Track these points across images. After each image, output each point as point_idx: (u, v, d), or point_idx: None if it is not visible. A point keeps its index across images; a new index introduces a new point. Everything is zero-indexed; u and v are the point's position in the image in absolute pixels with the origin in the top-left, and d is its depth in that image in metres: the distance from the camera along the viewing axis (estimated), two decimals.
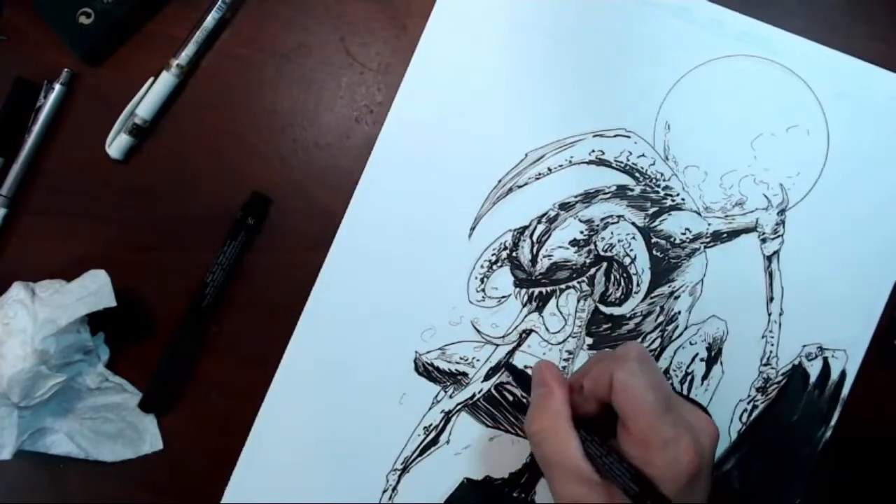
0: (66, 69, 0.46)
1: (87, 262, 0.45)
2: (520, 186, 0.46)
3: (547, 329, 0.46)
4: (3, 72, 0.46)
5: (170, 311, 0.46)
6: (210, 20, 0.46)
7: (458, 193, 0.46)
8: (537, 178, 0.46)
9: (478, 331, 0.46)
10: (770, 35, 0.46)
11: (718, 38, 0.46)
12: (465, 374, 0.46)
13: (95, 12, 0.46)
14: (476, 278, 0.46)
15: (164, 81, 0.46)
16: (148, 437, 0.46)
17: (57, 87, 0.46)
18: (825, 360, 0.46)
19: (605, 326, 0.46)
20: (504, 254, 0.46)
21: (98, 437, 0.45)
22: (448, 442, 0.46)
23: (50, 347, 0.42)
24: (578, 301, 0.46)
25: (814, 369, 0.46)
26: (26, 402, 0.42)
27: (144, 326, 0.47)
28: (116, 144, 0.46)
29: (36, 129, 0.46)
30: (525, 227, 0.46)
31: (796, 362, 0.46)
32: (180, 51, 0.46)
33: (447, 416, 0.46)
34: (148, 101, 0.46)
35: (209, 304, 0.46)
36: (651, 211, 0.46)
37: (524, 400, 0.46)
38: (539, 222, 0.46)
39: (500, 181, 0.46)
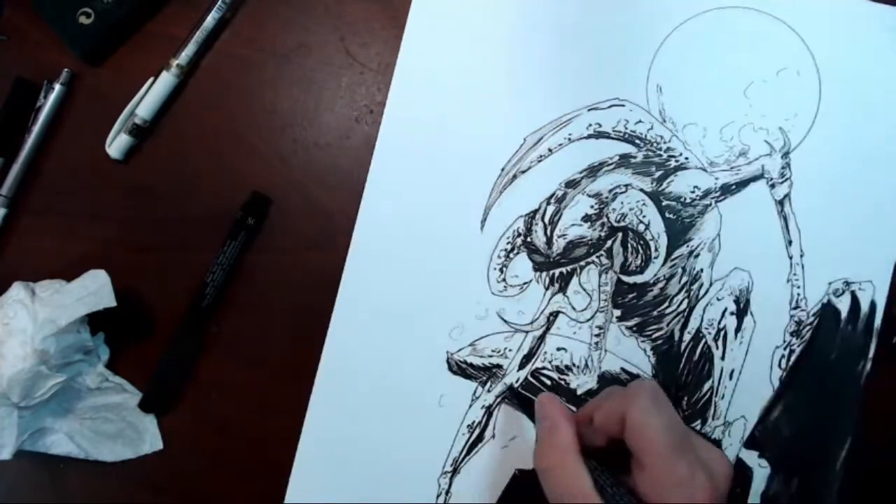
0: (66, 69, 0.46)
1: (87, 262, 0.45)
2: (523, 171, 0.46)
3: (573, 308, 0.46)
4: (3, 72, 0.46)
5: (170, 311, 0.46)
6: (210, 20, 0.46)
7: (464, 187, 0.46)
8: (539, 161, 0.46)
9: (505, 321, 0.46)
10: None
11: None
12: (499, 367, 0.46)
13: (95, 12, 0.46)
14: (495, 269, 0.46)
15: (164, 81, 0.46)
16: (148, 437, 0.46)
17: (57, 87, 0.46)
18: (853, 294, 0.46)
19: (631, 296, 0.46)
20: (519, 240, 0.46)
21: (98, 437, 0.45)
22: (493, 437, 0.46)
23: (50, 347, 0.42)
24: (600, 275, 0.46)
25: (843, 305, 0.46)
26: (26, 402, 0.42)
27: (144, 326, 0.47)
28: (116, 144, 0.46)
29: (36, 129, 0.46)
30: (535, 211, 0.46)
31: (825, 301, 0.46)
32: (180, 51, 0.46)
33: (488, 411, 0.46)
34: (148, 101, 0.46)
35: (209, 304, 0.46)
36: (657, 175, 0.46)
37: (562, 382, 0.46)
38: (548, 204, 0.46)
39: (503, 169, 0.46)
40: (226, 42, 0.47)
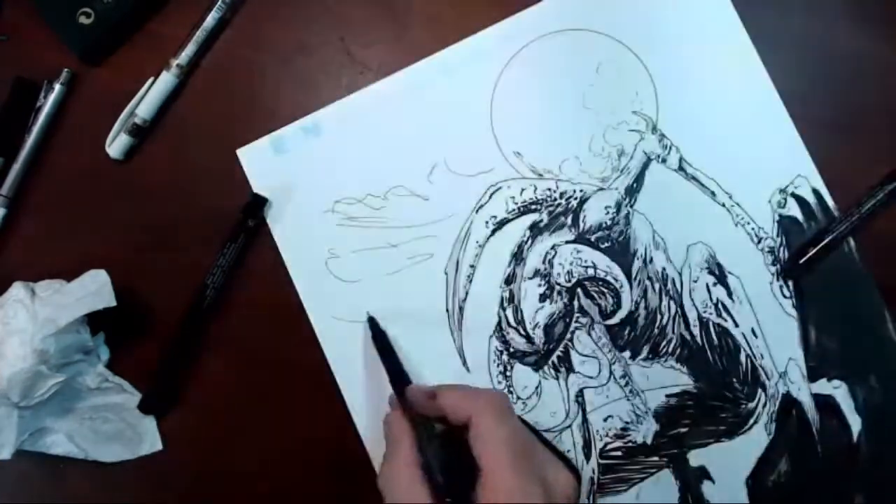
0: (66, 69, 0.46)
1: (87, 262, 0.45)
2: (464, 300, 0.46)
3: (590, 377, 0.46)
4: (3, 72, 0.46)
5: (170, 312, 0.46)
6: (210, 20, 0.46)
7: (428, 350, 0.46)
8: (469, 282, 0.46)
9: (546, 430, 0.46)
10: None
11: (481, 63, 0.47)
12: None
13: (95, 12, 0.45)
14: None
15: (164, 81, 0.46)
16: (147, 438, 0.46)
17: (57, 87, 0.46)
18: (794, 195, 0.46)
19: (627, 332, 0.46)
20: (504, 357, 0.46)
21: (98, 437, 0.45)
22: None
23: (50, 347, 0.42)
24: (590, 334, 0.46)
25: (795, 210, 0.47)
26: (26, 401, 0.42)
27: (144, 326, 0.47)
28: (116, 144, 0.46)
29: (36, 129, 0.46)
30: (498, 323, 0.46)
31: (777, 218, 0.46)
32: (180, 51, 0.46)
33: None
34: (148, 101, 0.46)
35: (209, 305, 0.46)
36: (569, 221, 0.47)
37: (630, 444, 0.46)
38: (503, 309, 0.46)
39: (447, 310, 0.46)
40: (226, 42, 0.47)
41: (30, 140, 0.46)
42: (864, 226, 0.45)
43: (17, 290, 0.43)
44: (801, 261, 0.45)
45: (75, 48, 0.46)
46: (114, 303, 0.43)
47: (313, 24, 0.47)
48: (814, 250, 0.45)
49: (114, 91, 0.46)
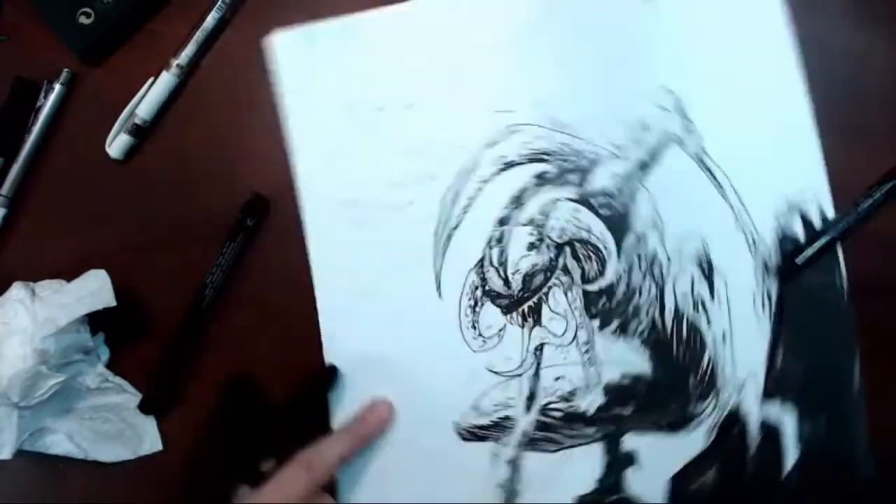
0: (66, 69, 0.46)
1: (87, 262, 0.45)
2: (455, 228, 0.46)
3: (554, 335, 0.46)
4: (3, 72, 0.46)
5: (170, 311, 0.46)
6: (210, 20, 0.46)
7: (407, 265, 0.46)
8: (465, 212, 0.46)
9: (496, 373, 0.46)
10: None
11: None
12: (508, 418, 0.46)
13: (95, 12, 0.46)
14: (467, 328, 0.46)
15: (164, 81, 0.46)
16: (147, 438, 0.46)
17: (57, 87, 0.46)
18: (801, 214, 0.46)
19: (602, 302, 0.46)
20: (478, 293, 0.46)
21: (97, 437, 0.45)
22: (527, 489, 0.46)
23: (50, 347, 0.42)
24: (566, 294, 0.46)
25: (798, 228, 0.46)
26: (26, 401, 0.42)
27: (144, 326, 0.47)
28: (116, 144, 0.46)
29: (36, 129, 0.46)
30: (482, 259, 0.46)
31: (779, 234, 0.46)
32: (180, 51, 0.46)
33: (514, 464, 0.46)
34: (148, 101, 0.46)
35: (209, 305, 0.46)
36: (576, 179, 0.46)
37: (572, 409, 0.45)
38: (490, 248, 0.46)
39: (435, 234, 0.46)
40: (226, 42, 0.47)
41: (30, 140, 0.46)
42: (862, 226, 0.45)
43: (17, 290, 0.43)
44: (798, 259, 0.45)
45: (75, 48, 0.46)
46: (114, 303, 0.43)
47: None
48: (812, 251, 0.45)
49: (114, 91, 0.47)
